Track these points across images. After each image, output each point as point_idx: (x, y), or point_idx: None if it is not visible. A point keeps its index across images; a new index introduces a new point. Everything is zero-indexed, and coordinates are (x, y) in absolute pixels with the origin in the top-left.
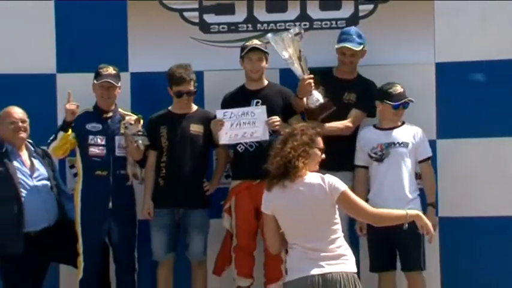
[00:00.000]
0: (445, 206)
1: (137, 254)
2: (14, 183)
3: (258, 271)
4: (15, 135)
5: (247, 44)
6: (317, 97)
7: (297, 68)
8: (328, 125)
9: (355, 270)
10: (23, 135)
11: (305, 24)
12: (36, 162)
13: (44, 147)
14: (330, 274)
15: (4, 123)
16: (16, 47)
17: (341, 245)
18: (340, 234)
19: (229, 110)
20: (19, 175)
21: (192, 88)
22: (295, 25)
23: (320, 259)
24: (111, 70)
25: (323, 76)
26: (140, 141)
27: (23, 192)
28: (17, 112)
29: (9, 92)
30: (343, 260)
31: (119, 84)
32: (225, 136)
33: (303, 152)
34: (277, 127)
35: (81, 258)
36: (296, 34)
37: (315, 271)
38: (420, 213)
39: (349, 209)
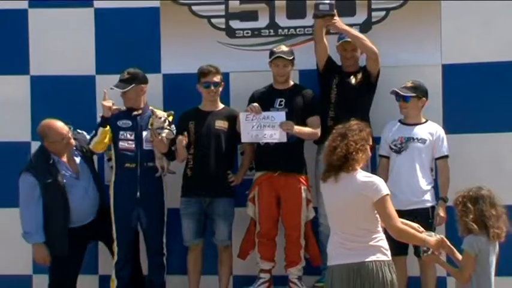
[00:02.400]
0: (449, 195)
1: (169, 240)
2: (63, 192)
3: (279, 255)
4: (67, 147)
5: (275, 49)
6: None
7: None
8: (357, 33)
9: (389, 258)
10: (73, 142)
11: None
12: (78, 160)
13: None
14: (363, 264)
15: (55, 141)
16: (60, 51)
17: (377, 236)
18: (378, 227)
19: (252, 114)
20: (66, 180)
21: (217, 79)
22: None
23: (357, 249)
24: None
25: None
26: (164, 135)
27: (72, 194)
28: (62, 126)
29: (54, 91)
30: (379, 250)
31: (144, 84)
32: (247, 136)
33: (362, 146)
34: (290, 131)
35: (115, 244)
36: None
37: (352, 259)
38: (436, 241)
39: (380, 214)
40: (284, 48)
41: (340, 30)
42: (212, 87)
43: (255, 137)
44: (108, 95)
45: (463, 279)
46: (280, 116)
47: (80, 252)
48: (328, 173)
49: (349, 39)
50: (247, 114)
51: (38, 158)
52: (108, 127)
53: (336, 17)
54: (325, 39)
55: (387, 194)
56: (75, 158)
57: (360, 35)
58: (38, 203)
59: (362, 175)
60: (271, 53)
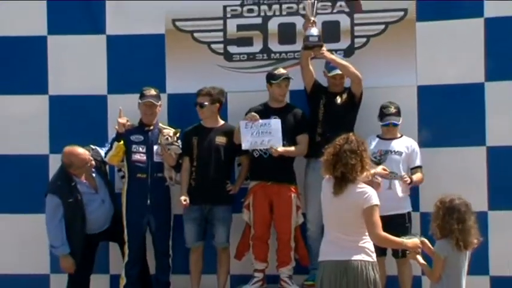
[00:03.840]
0: (425, 203)
1: (174, 243)
2: (81, 208)
3: (272, 257)
4: (89, 169)
5: (276, 72)
6: (311, 33)
7: (307, 9)
8: (342, 61)
9: (374, 259)
10: (93, 164)
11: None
12: (95, 177)
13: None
14: (350, 262)
15: (80, 167)
16: (76, 73)
17: (364, 239)
18: (365, 231)
19: (250, 122)
20: (86, 196)
21: (205, 101)
22: None
23: (346, 248)
24: (152, 91)
25: (321, 89)
26: (172, 149)
27: (90, 207)
28: (84, 152)
29: (70, 109)
30: (364, 251)
31: (159, 103)
32: (247, 143)
33: (359, 158)
34: (278, 154)
35: (126, 246)
36: None
37: (341, 257)
38: (412, 243)
39: (366, 220)
40: (283, 70)
41: (328, 59)
42: (198, 107)
43: (254, 144)
44: (124, 113)
45: (434, 279)
46: (276, 122)
47: (93, 254)
48: (338, 186)
49: (339, 72)
50: (246, 122)
51: (62, 180)
52: (122, 142)
53: (324, 47)
54: (310, 66)
55: (376, 205)
56: (92, 174)
57: (345, 63)
58: (62, 219)
59: (358, 186)
60: (273, 75)
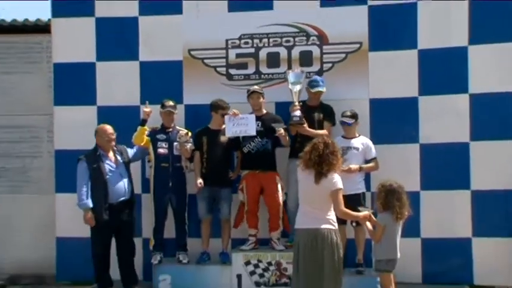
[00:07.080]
0: (375, 185)
1: (189, 215)
2: (103, 174)
3: (264, 225)
4: (108, 144)
5: (250, 88)
6: (296, 114)
7: (293, 96)
8: (316, 131)
9: (336, 227)
10: (113, 143)
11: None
12: (118, 157)
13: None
14: (319, 229)
15: (102, 136)
16: (117, 89)
17: (329, 213)
18: (331, 207)
19: (233, 116)
20: (108, 167)
21: (229, 112)
22: (304, 72)
23: (316, 219)
24: (170, 102)
25: (302, 104)
26: (188, 146)
27: (111, 178)
28: (110, 129)
29: (113, 116)
30: (329, 222)
31: (175, 111)
32: (229, 131)
33: (334, 157)
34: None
35: (153, 215)
36: (306, 78)
37: (312, 226)
38: (363, 215)
39: (333, 200)
40: (256, 87)
41: (305, 133)
42: (221, 116)
43: (235, 132)
44: (148, 104)
45: (375, 240)
46: (251, 117)
47: (111, 226)
48: (319, 177)
49: (321, 90)
50: (229, 116)
51: (90, 151)
52: (145, 126)
53: (305, 124)
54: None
55: (340, 188)
56: (117, 155)
57: (315, 132)
58: (88, 182)
59: (330, 174)
60: (248, 91)
